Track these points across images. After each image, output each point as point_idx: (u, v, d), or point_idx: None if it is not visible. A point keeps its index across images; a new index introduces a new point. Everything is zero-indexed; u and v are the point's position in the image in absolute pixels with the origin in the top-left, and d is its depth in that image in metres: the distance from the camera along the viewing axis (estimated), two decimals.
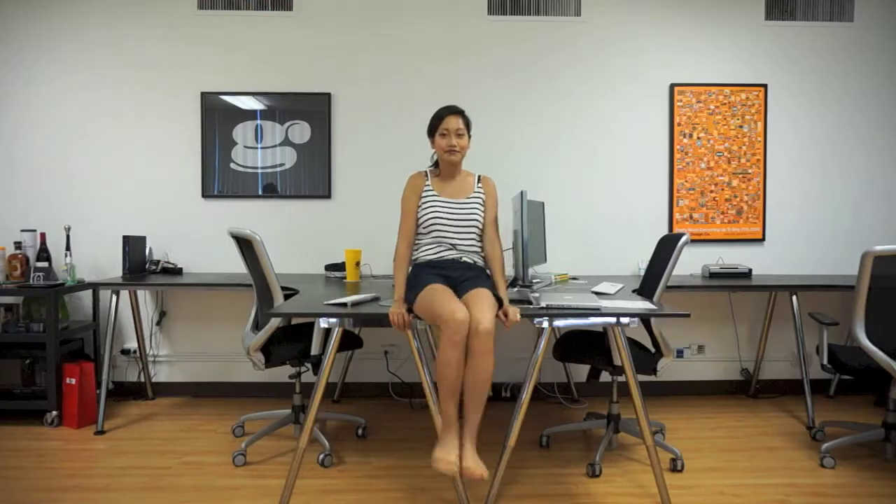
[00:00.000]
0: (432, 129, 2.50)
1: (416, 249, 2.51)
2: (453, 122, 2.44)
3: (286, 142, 3.85)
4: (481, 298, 2.22)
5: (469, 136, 2.50)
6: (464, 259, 2.46)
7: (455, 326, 2.10)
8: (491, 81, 3.88)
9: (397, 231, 2.53)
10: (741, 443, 3.08)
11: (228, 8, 3.82)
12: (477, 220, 2.48)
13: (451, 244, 2.46)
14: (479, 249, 2.52)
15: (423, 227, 2.48)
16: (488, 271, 2.53)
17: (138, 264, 3.66)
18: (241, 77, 3.85)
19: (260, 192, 3.85)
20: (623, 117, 3.91)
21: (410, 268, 2.50)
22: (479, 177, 2.59)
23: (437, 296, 2.20)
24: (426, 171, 2.59)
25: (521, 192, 2.63)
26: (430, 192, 2.50)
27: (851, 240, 3.95)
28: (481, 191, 2.54)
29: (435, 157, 2.60)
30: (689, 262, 3.93)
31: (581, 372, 3.90)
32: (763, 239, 3.93)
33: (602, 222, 3.93)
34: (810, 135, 3.94)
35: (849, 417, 3.46)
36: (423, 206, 2.48)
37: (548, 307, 2.28)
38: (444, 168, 2.54)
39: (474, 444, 2.18)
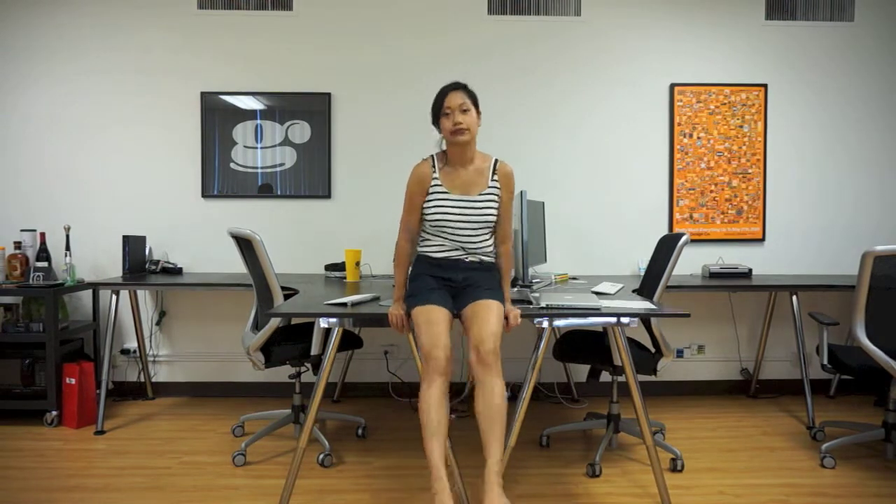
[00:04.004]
0: (436, 114, 2.21)
1: (421, 242, 2.31)
2: (455, 98, 2.15)
3: (286, 142, 3.85)
4: (485, 312, 2.07)
5: (478, 112, 2.21)
6: (469, 259, 2.27)
7: (430, 364, 1.99)
8: (490, 80, 3.88)
9: (399, 225, 2.34)
10: (741, 443, 3.08)
11: (228, 8, 3.82)
12: (491, 220, 2.25)
13: (460, 245, 2.26)
14: (490, 248, 2.31)
15: (431, 226, 2.26)
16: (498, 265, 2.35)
17: (138, 264, 3.66)
18: (241, 77, 3.85)
19: (257, 192, 3.85)
20: (623, 117, 3.91)
21: (412, 263, 2.35)
22: (495, 163, 2.27)
23: (424, 321, 2.06)
24: (432, 158, 2.28)
25: (521, 192, 2.63)
26: (437, 188, 2.22)
27: (851, 239, 3.95)
28: (496, 184, 2.25)
29: (444, 144, 2.28)
30: (689, 262, 3.93)
31: (581, 372, 3.90)
32: (763, 239, 3.93)
33: (602, 222, 3.93)
34: (810, 134, 3.94)
35: (849, 417, 3.46)
36: (430, 203, 2.22)
37: (548, 307, 2.28)
38: (454, 154, 2.23)
39: (499, 483, 1.89)
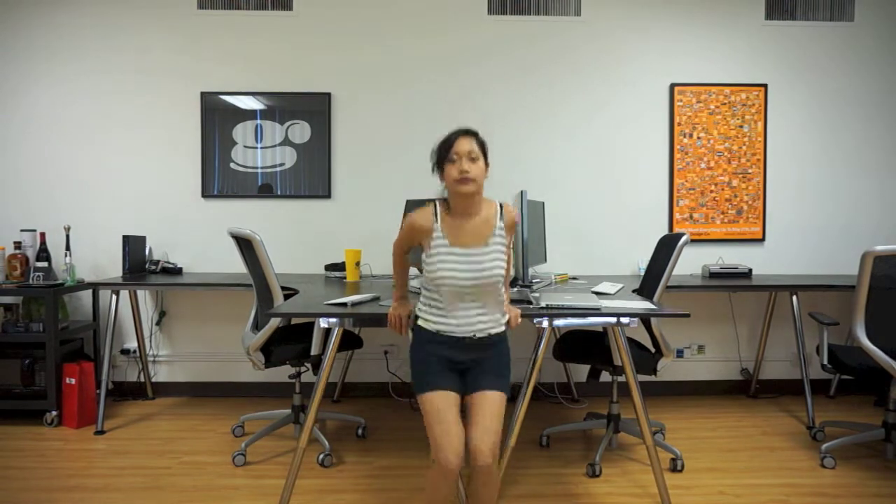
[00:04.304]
0: (440, 158, 1.96)
1: (427, 304, 2.04)
2: (464, 145, 1.92)
3: (286, 142, 3.85)
4: (486, 415, 1.93)
5: (487, 164, 1.97)
6: (477, 336, 1.99)
7: (442, 467, 1.88)
8: (490, 80, 3.87)
9: (396, 239, 2.13)
10: (741, 443, 3.08)
11: (228, 8, 3.82)
12: (499, 275, 1.97)
13: (467, 301, 1.98)
14: (498, 302, 2.03)
15: (433, 284, 1.98)
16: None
17: (138, 264, 3.66)
18: (241, 77, 3.85)
19: (256, 192, 3.85)
20: (623, 117, 3.91)
21: (412, 333, 2.08)
22: (500, 208, 2.03)
23: (433, 411, 1.93)
24: (434, 206, 2.01)
25: (521, 192, 2.63)
26: (440, 243, 1.96)
27: (851, 239, 3.95)
28: (502, 232, 2.00)
29: (445, 193, 2.02)
30: (689, 262, 3.93)
31: (581, 372, 3.90)
32: (763, 239, 3.93)
33: (602, 222, 3.93)
34: (810, 134, 3.94)
35: (849, 417, 3.46)
36: (432, 259, 1.96)
37: (548, 307, 2.28)
38: (458, 204, 1.97)
39: None
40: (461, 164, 1.90)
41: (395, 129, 3.87)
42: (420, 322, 2.04)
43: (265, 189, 3.85)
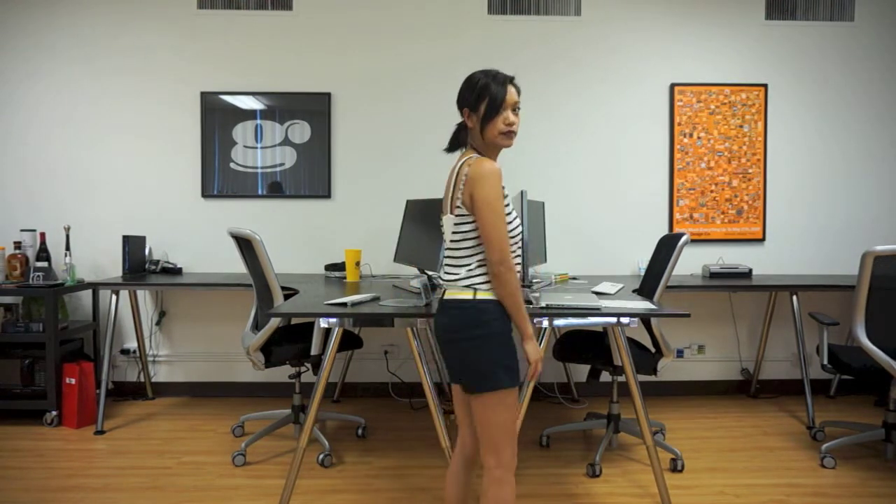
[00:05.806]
0: (490, 109, 1.69)
1: (485, 269, 1.74)
2: (514, 94, 1.72)
3: (286, 141, 3.85)
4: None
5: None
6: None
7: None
8: None
9: (496, 215, 1.67)
10: (741, 443, 3.08)
11: (228, 8, 3.82)
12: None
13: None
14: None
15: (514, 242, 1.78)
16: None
17: (138, 264, 3.66)
18: (241, 77, 3.85)
19: (264, 192, 3.85)
20: (623, 117, 3.91)
21: (473, 310, 1.71)
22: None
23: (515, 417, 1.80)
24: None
25: (522, 192, 2.63)
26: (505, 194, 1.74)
27: (851, 239, 3.95)
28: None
29: (463, 139, 1.79)
30: (690, 262, 3.93)
31: (581, 372, 3.90)
32: (763, 239, 3.93)
33: (602, 222, 3.93)
34: (810, 134, 3.94)
35: (849, 417, 3.46)
36: (510, 210, 1.77)
37: (548, 307, 2.28)
38: (491, 156, 1.77)
39: None
40: (509, 115, 1.72)
41: (395, 129, 3.87)
42: (482, 294, 1.71)
43: (275, 188, 3.85)
